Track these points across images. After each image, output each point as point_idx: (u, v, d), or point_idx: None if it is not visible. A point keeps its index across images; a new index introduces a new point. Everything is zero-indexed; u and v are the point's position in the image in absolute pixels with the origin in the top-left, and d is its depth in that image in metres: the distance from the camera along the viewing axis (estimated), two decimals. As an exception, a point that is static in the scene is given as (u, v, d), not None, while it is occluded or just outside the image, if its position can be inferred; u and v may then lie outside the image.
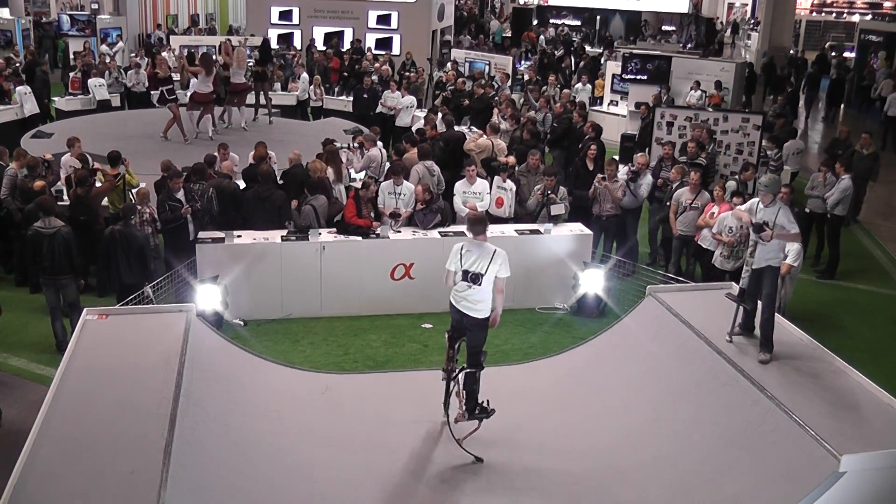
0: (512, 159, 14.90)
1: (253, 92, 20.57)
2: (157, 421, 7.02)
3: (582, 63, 30.65)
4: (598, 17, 40.51)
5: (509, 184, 13.83)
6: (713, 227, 12.59)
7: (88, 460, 6.56)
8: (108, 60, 25.63)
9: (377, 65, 25.39)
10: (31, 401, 9.08)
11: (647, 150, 17.51)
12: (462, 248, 8.75)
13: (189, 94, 19.29)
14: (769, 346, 8.86)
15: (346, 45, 30.18)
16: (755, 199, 9.01)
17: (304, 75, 24.34)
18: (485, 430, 8.98)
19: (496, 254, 8.67)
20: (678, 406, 8.96)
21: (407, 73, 25.11)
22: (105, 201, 13.42)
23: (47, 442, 6.74)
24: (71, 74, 24.20)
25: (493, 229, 13.16)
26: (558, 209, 13.47)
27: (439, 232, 12.98)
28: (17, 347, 11.55)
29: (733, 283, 10.64)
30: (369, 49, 29.32)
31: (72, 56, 27.29)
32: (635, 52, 26.80)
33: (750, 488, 7.48)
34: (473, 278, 8.64)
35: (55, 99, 22.90)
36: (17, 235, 13.09)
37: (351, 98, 23.58)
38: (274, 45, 30.11)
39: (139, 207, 12.35)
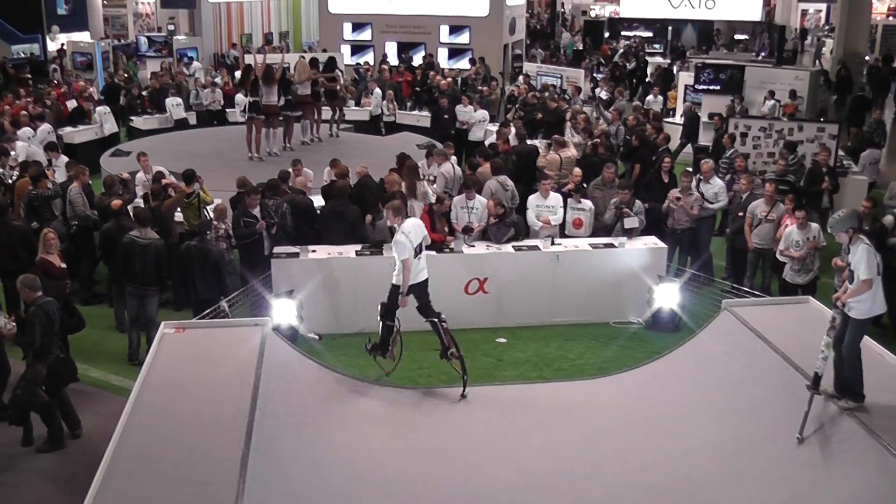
0: (578, 171, 14.79)
1: (328, 107, 20.72)
2: (234, 433, 7.06)
3: (653, 74, 30.37)
4: (670, 28, 40.09)
5: (587, 203, 13.73)
6: (780, 243, 12.36)
7: (166, 471, 6.62)
8: (184, 80, 26.05)
9: (444, 81, 25.41)
10: (110, 412, 9.20)
11: (719, 161, 17.21)
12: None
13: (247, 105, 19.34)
14: (852, 395, 8.20)
15: (419, 60, 30.34)
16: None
17: (377, 90, 24.38)
18: (563, 443, 8.91)
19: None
20: (754, 422, 8.78)
21: (479, 87, 25.09)
22: (181, 218, 13.59)
23: (126, 452, 6.82)
24: (145, 93, 24.59)
25: (567, 243, 13.15)
26: (633, 223, 13.32)
27: (513, 246, 12.91)
28: (96, 359, 11.75)
29: (809, 297, 10.42)
30: (438, 67, 29.41)
31: (148, 76, 27.78)
32: (707, 61, 26.46)
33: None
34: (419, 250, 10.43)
35: (133, 118, 23.27)
36: (86, 251, 13.56)
37: (424, 112, 23.63)
38: (347, 60, 30.40)
39: (214, 223, 12.51)
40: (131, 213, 12.54)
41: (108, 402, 10.35)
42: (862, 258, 7.90)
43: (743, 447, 8.55)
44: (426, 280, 10.67)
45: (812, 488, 7.62)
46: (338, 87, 21.44)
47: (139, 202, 13.63)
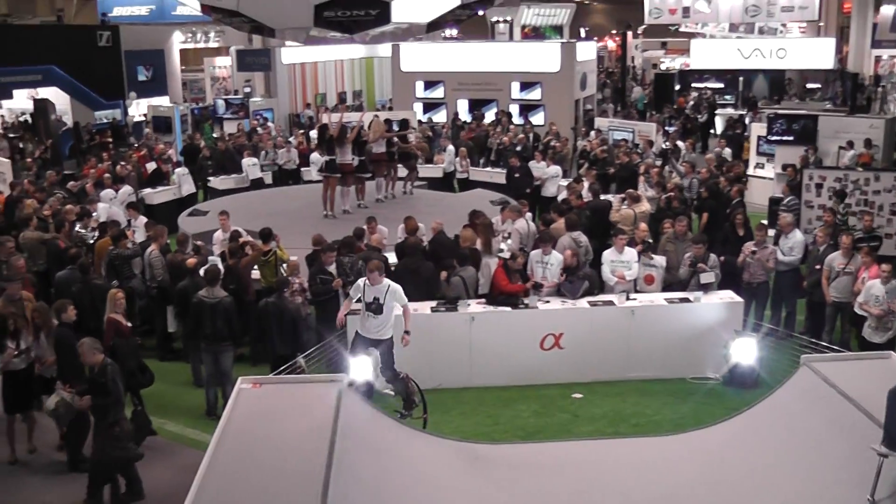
0: (643, 227, 14.72)
1: (400, 166, 20.94)
2: (310, 488, 7.05)
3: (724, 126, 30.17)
4: (741, 78, 39.86)
5: (658, 259, 13.65)
6: (860, 297, 12.12)
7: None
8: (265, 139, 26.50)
9: (506, 137, 25.50)
10: (187, 465, 9.32)
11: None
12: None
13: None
14: None
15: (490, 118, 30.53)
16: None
17: (451, 147, 24.54)
18: (640, 501, 8.77)
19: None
20: (837, 482, 8.52)
21: (552, 144, 25.14)
22: (258, 275, 13.77)
23: (204, 506, 6.86)
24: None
25: (642, 297, 13.05)
26: (708, 278, 13.18)
27: (588, 301, 12.85)
28: (174, 414, 12.01)
29: (891, 352, 10.15)
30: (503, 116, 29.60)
31: (226, 136, 28.36)
32: (780, 111, 26.18)
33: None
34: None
35: (210, 179, 23.72)
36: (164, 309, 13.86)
37: (496, 169, 23.71)
38: (420, 117, 30.71)
39: (290, 279, 12.66)
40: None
41: (185, 456, 10.56)
42: None
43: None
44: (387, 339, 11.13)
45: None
46: (411, 146, 21.63)
47: (216, 260, 13.86)
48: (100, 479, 9.62)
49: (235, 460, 7.66)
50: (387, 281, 10.98)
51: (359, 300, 11.00)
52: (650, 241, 14.30)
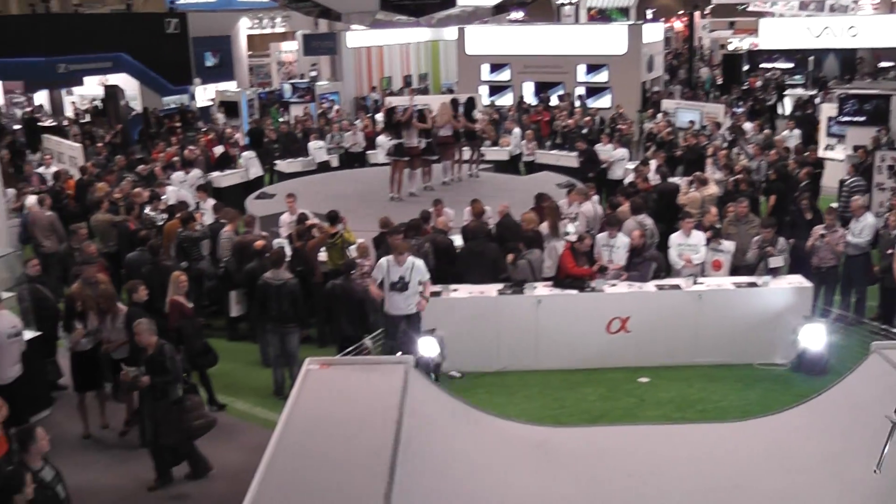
0: (713, 211, 14.57)
1: (466, 148, 20.97)
2: (377, 468, 7.10)
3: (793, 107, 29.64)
4: (811, 58, 39.04)
5: (727, 245, 13.49)
6: None
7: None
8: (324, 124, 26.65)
9: (571, 120, 25.38)
10: (255, 443, 9.43)
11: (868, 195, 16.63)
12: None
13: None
14: None
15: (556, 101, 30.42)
16: None
17: (517, 130, 24.46)
18: (699, 492, 8.71)
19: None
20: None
21: (619, 126, 24.95)
22: (325, 257, 13.87)
23: (271, 485, 6.92)
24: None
25: (710, 282, 12.93)
26: (777, 262, 12.99)
27: (655, 285, 12.77)
28: (243, 393, 12.24)
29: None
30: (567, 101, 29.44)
31: (293, 120, 28.57)
32: (851, 91, 25.64)
33: None
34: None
35: (276, 162, 23.94)
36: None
37: (563, 152, 23.60)
38: (486, 100, 30.65)
39: (359, 261, 12.73)
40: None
41: (253, 435, 10.72)
42: None
43: (894, 497, 8.17)
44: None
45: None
46: (477, 128, 21.62)
47: (283, 243, 14.00)
48: (169, 459, 9.81)
49: (303, 440, 7.74)
50: (410, 258, 11.61)
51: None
52: (718, 226, 14.13)
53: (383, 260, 11.66)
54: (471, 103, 21.80)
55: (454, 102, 20.72)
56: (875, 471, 7.85)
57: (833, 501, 8.49)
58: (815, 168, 17.86)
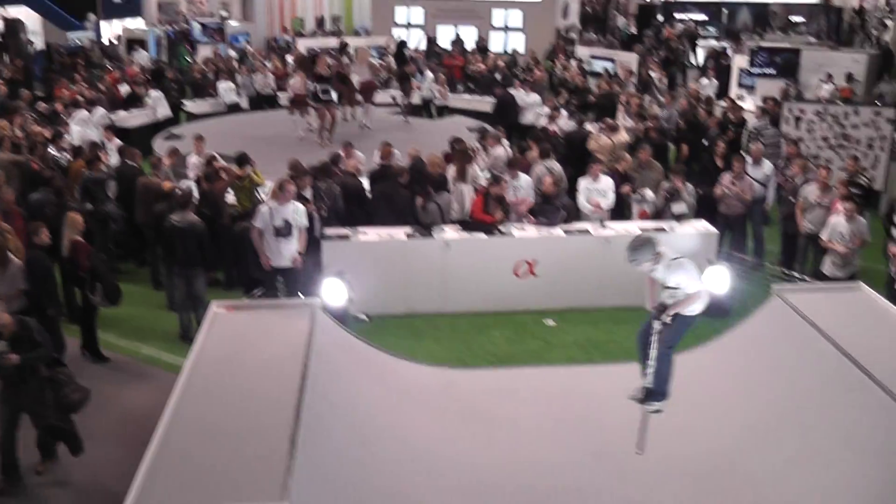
0: (628, 157, 14.72)
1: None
2: (284, 410, 7.10)
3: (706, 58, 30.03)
4: (725, 10, 39.51)
5: (649, 194, 13.68)
6: (823, 234, 12.15)
7: (217, 445, 6.67)
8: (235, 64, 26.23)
9: (480, 66, 25.39)
10: (162, 387, 9.25)
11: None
12: None
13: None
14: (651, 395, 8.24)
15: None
16: None
17: (429, 74, 24.36)
18: (606, 430, 8.89)
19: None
20: (803, 409, 8.61)
21: (533, 72, 25.02)
22: (233, 200, 13.70)
23: (178, 427, 6.89)
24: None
25: (617, 227, 13.08)
26: (680, 208, 13.17)
27: (563, 230, 12.87)
28: (149, 337, 12.02)
29: (861, 283, 10.20)
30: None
31: (199, 60, 28.06)
32: (763, 45, 26.04)
33: (879, 496, 7.17)
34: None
35: (185, 102, 23.50)
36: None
37: (474, 96, 23.62)
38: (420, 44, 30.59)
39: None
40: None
41: (160, 379, 10.53)
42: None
43: (791, 435, 8.42)
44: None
45: (860, 475, 7.49)
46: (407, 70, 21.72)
47: (191, 184, 13.77)
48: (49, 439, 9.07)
49: (209, 383, 7.69)
50: (293, 202, 11.36)
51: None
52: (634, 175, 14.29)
53: (263, 206, 11.43)
54: (402, 46, 21.77)
55: (401, 45, 20.84)
56: (637, 452, 8.20)
57: (733, 435, 8.74)
58: (738, 128, 17.98)
